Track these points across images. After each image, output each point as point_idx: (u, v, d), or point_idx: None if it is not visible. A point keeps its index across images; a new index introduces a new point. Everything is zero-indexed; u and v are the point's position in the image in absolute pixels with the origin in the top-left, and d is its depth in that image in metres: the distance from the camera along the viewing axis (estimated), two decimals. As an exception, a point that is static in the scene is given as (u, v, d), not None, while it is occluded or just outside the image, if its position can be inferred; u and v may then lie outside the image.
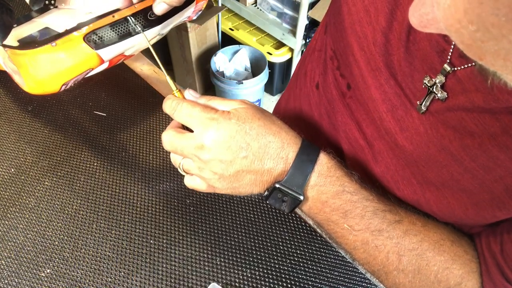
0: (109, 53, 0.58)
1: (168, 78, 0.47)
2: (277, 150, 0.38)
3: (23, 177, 0.69)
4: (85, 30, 0.55)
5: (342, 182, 0.40)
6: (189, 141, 0.39)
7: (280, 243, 0.63)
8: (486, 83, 0.31)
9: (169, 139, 0.40)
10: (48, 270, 0.60)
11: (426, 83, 0.36)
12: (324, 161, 0.40)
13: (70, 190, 0.68)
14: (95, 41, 0.56)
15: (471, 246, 0.42)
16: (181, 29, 1.95)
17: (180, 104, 0.39)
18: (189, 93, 0.42)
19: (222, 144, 0.37)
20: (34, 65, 0.57)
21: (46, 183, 0.69)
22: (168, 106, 0.41)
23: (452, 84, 0.34)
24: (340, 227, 0.41)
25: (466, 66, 0.33)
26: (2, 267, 0.60)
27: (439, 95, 0.35)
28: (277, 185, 0.39)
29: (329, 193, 0.40)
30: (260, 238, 0.64)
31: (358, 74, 0.43)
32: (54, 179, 0.69)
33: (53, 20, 0.87)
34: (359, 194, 0.40)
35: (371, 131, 0.44)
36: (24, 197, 0.67)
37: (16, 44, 0.62)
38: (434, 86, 0.35)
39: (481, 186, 0.35)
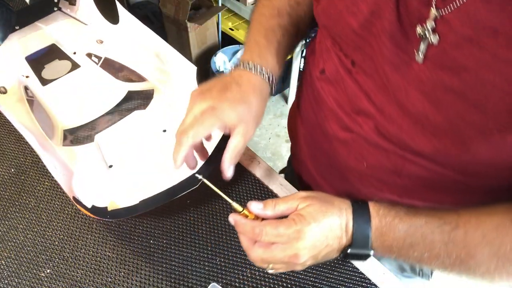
0: None
1: (230, 201, 0.50)
2: (341, 226, 0.46)
3: (23, 177, 0.69)
4: None
5: (397, 223, 0.45)
6: (282, 254, 0.45)
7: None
8: (468, 18, 0.36)
9: (260, 256, 0.47)
10: (48, 270, 0.60)
11: (419, 31, 0.40)
12: (374, 215, 0.46)
13: (70, 190, 0.68)
14: None
15: None
16: (181, 29, 1.96)
17: (265, 230, 0.46)
18: (256, 208, 0.48)
19: (312, 249, 0.45)
20: None
21: (46, 183, 0.69)
22: (250, 231, 0.47)
23: (441, 26, 0.39)
24: (412, 257, 0.46)
25: (450, 7, 0.37)
26: (2, 267, 0.60)
27: (432, 39, 0.40)
28: (349, 251, 0.46)
29: (389, 239, 0.45)
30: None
31: (359, 48, 0.48)
32: (54, 179, 0.69)
33: (60, 35, 0.87)
34: (413, 226, 0.45)
35: (380, 98, 0.49)
36: (24, 197, 0.67)
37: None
38: (427, 32, 0.40)
39: (484, 113, 0.39)
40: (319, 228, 0.45)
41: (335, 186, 0.65)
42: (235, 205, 0.49)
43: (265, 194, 0.68)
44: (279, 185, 0.69)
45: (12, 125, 0.76)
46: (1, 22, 0.84)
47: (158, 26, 2.07)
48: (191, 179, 0.59)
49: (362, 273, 0.60)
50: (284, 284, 0.59)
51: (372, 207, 0.46)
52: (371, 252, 0.46)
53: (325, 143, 0.62)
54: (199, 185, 0.57)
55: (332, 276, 0.60)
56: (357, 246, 0.46)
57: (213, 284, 0.58)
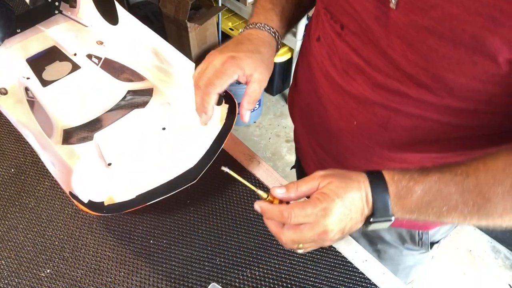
0: None
1: (255, 189, 0.51)
2: (362, 199, 0.47)
3: (23, 177, 0.69)
4: None
5: (412, 185, 0.47)
6: (311, 233, 0.47)
7: (280, 243, 0.63)
8: None
9: (291, 238, 0.48)
10: (48, 270, 0.60)
11: None
12: (390, 182, 0.48)
13: (70, 190, 0.68)
14: None
15: None
16: (181, 29, 1.96)
17: (293, 212, 0.47)
18: (279, 193, 0.49)
19: (339, 223, 0.47)
20: None
21: (46, 183, 0.69)
22: (279, 216, 0.48)
23: None
24: (432, 213, 0.48)
25: None
26: (2, 267, 0.60)
27: None
28: (371, 220, 0.48)
29: (408, 202, 0.47)
30: (260, 238, 0.64)
31: (346, 12, 0.54)
32: (54, 179, 0.69)
33: (61, 37, 0.87)
34: (427, 184, 0.47)
35: (367, 53, 0.54)
36: (24, 197, 0.67)
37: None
38: None
39: (452, 44, 0.43)
40: (343, 203, 0.47)
41: (331, 152, 0.70)
42: (260, 192, 0.50)
43: (265, 194, 0.68)
44: (279, 185, 0.69)
45: (12, 125, 0.76)
46: (1, 22, 0.84)
47: (158, 26, 2.07)
48: (189, 174, 0.59)
49: (362, 273, 0.60)
50: (284, 284, 0.59)
51: (387, 175, 0.48)
52: (392, 218, 0.48)
53: (320, 108, 0.67)
54: (196, 181, 0.58)
55: (332, 276, 0.60)
56: (379, 214, 0.48)
57: (213, 284, 0.58)
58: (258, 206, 0.50)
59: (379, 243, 0.77)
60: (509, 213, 0.46)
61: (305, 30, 0.74)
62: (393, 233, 0.74)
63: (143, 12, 2.10)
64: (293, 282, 0.59)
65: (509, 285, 1.58)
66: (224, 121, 0.64)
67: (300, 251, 0.50)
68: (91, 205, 0.57)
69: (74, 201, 0.58)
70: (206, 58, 0.58)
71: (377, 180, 0.48)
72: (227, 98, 0.67)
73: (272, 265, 0.61)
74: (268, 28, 0.62)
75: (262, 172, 0.71)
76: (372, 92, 0.56)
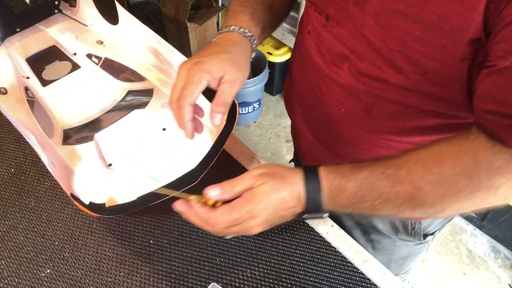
0: None
1: (187, 196, 0.51)
2: (293, 199, 0.50)
3: (23, 177, 0.69)
4: None
5: (344, 183, 0.49)
6: (237, 229, 0.50)
7: (280, 243, 0.63)
8: None
9: (216, 233, 0.51)
10: (48, 270, 0.60)
11: None
12: (324, 182, 0.50)
13: (70, 190, 0.68)
14: None
15: (464, 134, 0.48)
16: (181, 29, 1.96)
17: (218, 222, 0.49)
18: (214, 194, 0.50)
19: (265, 222, 0.50)
20: None
21: (46, 183, 0.69)
22: (204, 224, 0.50)
23: None
24: (366, 207, 0.50)
25: None
26: (2, 267, 0.60)
27: None
28: (304, 216, 0.51)
29: (341, 199, 0.50)
30: (260, 238, 0.64)
31: (329, 3, 0.55)
32: (54, 179, 0.69)
33: (61, 37, 0.87)
34: (359, 179, 0.49)
35: (351, 42, 0.55)
36: (24, 197, 0.67)
37: None
38: None
39: (424, 27, 0.45)
40: (271, 204, 0.49)
41: (323, 141, 0.72)
42: (193, 197, 0.51)
43: (265, 194, 0.68)
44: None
45: (12, 125, 0.76)
46: (1, 22, 0.84)
47: (158, 26, 2.07)
48: (191, 175, 0.59)
49: (362, 273, 0.61)
50: (284, 284, 0.59)
51: (322, 172, 0.50)
52: (326, 214, 0.52)
53: (312, 98, 0.68)
54: (198, 182, 0.58)
55: (332, 276, 0.60)
56: (311, 211, 0.51)
57: (213, 284, 0.58)
58: (179, 207, 0.50)
59: (373, 233, 0.78)
60: (441, 201, 0.48)
61: (299, 26, 0.75)
62: (386, 222, 0.75)
63: (143, 12, 2.10)
64: (293, 282, 0.59)
65: (509, 285, 1.58)
66: (225, 122, 0.64)
67: (228, 237, 0.55)
68: (92, 206, 0.57)
69: (75, 202, 0.58)
70: (177, 71, 0.56)
71: (311, 181, 0.50)
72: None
73: (272, 265, 0.61)
74: (237, 29, 0.60)
75: (262, 172, 0.71)
76: (356, 80, 0.58)
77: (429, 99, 0.54)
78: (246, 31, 0.60)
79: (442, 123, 0.58)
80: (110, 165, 0.66)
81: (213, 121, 0.54)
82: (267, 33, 0.68)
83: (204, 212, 0.50)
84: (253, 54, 0.62)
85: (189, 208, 0.50)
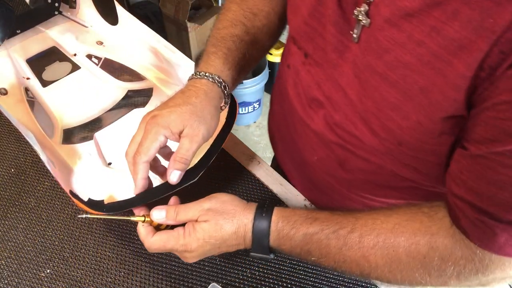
0: None
1: (129, 218, 0.52)
2: (237, 239, 0.50)
3: (23, 177, 0.69)
4: None
5: (293, 234, 0.48)
6: (174, 252, 0.51)
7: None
8: (391, 1, 0.39)
9: (154, 249, 0.50)
10: (48, 270, 0.60)
11: (356, 13, 0.44)
12: (273, 229, 0.49)
13: (70, 190, 0.68)
14: None
15: (431, 210, 0.45)
16: (181, 29, 1.95)
17: (153, 247, 0.50)
18: (157, 218, 0.50)
19: (201, 255, 0.50)
20: None
21: (46, 183, 0.69)
22: (143, 241, 0.51)
23: (373, 10, 0.42)
24: (311, 260, 0.49)
25: None
26: (2, 267, 0.60)
27: (364, 21, 0.43)
28: (250, 253, 0.51)
29: (286, 248, 0.49)
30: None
31: (310, 39, 0.52)
32: (54, 179, 0.69)
33: (61, 38, 0.87)
34: (308, 234, 0.47)
35: (328, 86, 0.53)
36: (24, 197, 0.67)
37: None
38: (360, 15, 0.43)
39: (402, 95, 0.42)
40: (209, 243, 0.49)
41: (300, 179, 0.70)
42: (136, 218, 0.51)
43: (265, 194, 0.68)
44: (279, 185, 0.69)
45: (12, 125, 0.76)
46: (1, 22, 0.84)
47: (158, 26, 2.07)
48: (190, 173, 0.59)
49: (362, 273, 0.60)
50: (284, 284, 0.59)
51: (274, 218, 0.49)
52: (271, 256, 0.51)
53: (288, 135, 0.67)
54: (196, 181, 0.58)
55: (332, 276, 0.60)
56: (256, 251, 0.50)
57: (213, 284, 0.58)
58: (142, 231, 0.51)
59: None
60: (387, 277, 0.46)
61: (281, 54, 0.71)
62: None
63: (143, 12, 2.10)
64: (293, 282, 0.59)
65: (509, 285, 1.58)
66: (224, 120, 0.64)
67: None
68: (91, 203, 0.57)
69: (74, 199, 0.58)
70: (139, 122, 0.53)
71: (260, 225, 0.49)
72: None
73: (272, 265, 0.61)
74: (206, 75, 0.55)
75: (262, 172, 0.71)
76: (330, 130, 0.55)
77: (405, 167, 0.51)
78: (215, 77, 0.55)
79: (420, 189, 0.55)
80: (109, 164, 0.66)
81: (169, 178, 0.51)
82: (249, 68, 0.64)
83: (143, 233, 0.50)
84: (228, 100, 0.59)
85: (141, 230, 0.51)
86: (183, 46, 2.02)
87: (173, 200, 0.53)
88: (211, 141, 0.63)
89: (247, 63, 0.62)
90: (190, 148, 0.50)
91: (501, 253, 0.39)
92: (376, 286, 0.59)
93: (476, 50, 0.34)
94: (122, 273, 0.60)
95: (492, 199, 0.37)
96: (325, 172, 0.62)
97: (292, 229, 0.48)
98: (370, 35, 0.43)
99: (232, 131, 0.65)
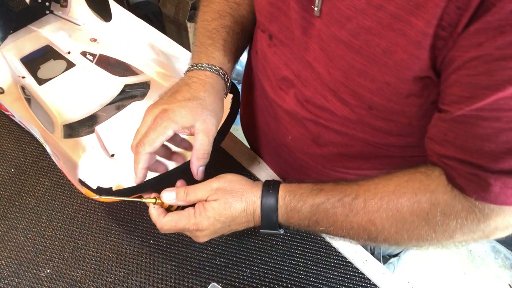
0: None
1: (141, 200, 0.52)
2: (247, 217, 0.50)
3: (23, 177, 0.69)
4: None
5: (300, 206, 0.49)
6: (185, 232, 0.52)
7: (280, 243, 0.63)
8: None
9: (166, 229, 0.51)
10: (48, 270, 0.60)
11: None
12: (281, 203, 0.50)
13: (70, 190, 0.68)
14: None
15: (428, 169, 0.46)
16: (181, 29, 1.95)
17: (165, 227, 0.51)
18: (168, 199, 0.51)
19: (212, 234, 0.51)
20: None
21: (46, 183, 0.69)
22: (155, 222, 0.52)
23: None
24: (320, 230, 0.50)
25: None
26: (2, 267, 0.60)
27: None
28: (260, 230, 0.52)
29: (295, 221, 0.50)
30: (260, 238, 0.64)
31: (275, 19, 0.53)
32: (54, 179, 0.69)
33: (54, 36, 0.88)
34: (315, 205, 0.49)
35: (296, 65, 0.53)
36: (24, 197, 0.67)
37: None
38: None
39: (367, 60, 0.42)
40: (219, 221, 0.50)
41: (274, 166, 0.71)
42: (147, 200, 0.52)
43: (265, 194, 0.68)
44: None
45: (12, 125, 0.76)
46: (1, 22, 0.84)
47: (158, 26, 2.06)
48: (189, 164, 0.59)
49: (362, 273, 0.60)
50: (284, 284, 0.59)
51: (281, 193, 0.50)
52: (281, 231, 0.52)
53: (262, 122, 0.67)
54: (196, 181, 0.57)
55: (332, 276, 0.60)
56: (266, 228, 0.51)
57: (213, 284, 0.58)
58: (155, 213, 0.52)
59: None
60: (394, 238, 0.47)
61: (250, 44, 0.70)
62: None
63: (143, 12, 2.10)
64: (293, 282, 0.59)
65: (509, 285, 1.58)
66: (228, 111, 0.64)
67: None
68: (100, 190, 0.57)
69: (83, 188, 0.58)
70: (144, 113, 0.54)
71: (268, 200, 0.50)
72: (231, 88, 0.66)
73: (272, 265, 0.61)
74: (210, 67, 0.55)
75: (262, 172, 0.71)
76: (302, 107, 0.56)
77: (376, 133, 0.52)
78: (219, 69, 0.56)
79: (391, 157, 0.56)
80: (113, 155, 0.67)
81: (196, 176, 0.52)
82: (239, 58, 0.65)
83: (154, 215, 0.51)
84: (228, 91, 0.59)
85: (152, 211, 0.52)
86: (183, 46, 2.01)
87: (179, 182, 0.54)
88: None
89: (239, 53, 0.64)
90: (209, 143, 0.52)
91: (497, 202, 0.40)
92: (376, 286, 0.59)
93: (433, 7, 0.35)
94: (122, 273, 0.60)
95: (480, 152, 0.38)
96: (300, 151, 0.63)
97: (299, 202, 0.49)
98: (332, 7, 0.44)
99: (232, 131, 0.65)
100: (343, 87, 0.48)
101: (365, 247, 0.71)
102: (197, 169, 0.52)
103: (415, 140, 0.51)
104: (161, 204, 0.52)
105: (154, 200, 0.51)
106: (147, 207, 0.58)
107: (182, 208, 0.52)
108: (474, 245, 1.68)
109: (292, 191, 0.50)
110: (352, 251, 0.63)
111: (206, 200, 0.50)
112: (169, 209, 0.52)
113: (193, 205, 0.51)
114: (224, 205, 0.49)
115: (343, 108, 0.51)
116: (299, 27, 0.50)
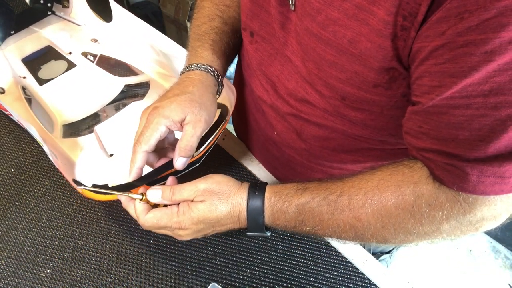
0: None
1: (128, 195, 0.51)
2: (232, 218, 0.50)
3: (23, 177, 0.69)
4: None
5: (286, 207, 0.49)
6: (166, 231, 0.52)
7: (280, 243, 0.63)
8: None
9: (147, 227, 0.51)
10: (48, 270, 0.60)
11: None
12: (267, 205, 0.50)
13: (70, 190, 0.68)
14: None
15: (411, 162, 0.46)
16: (181, 29, 1.95)
17: (146, 224, 0.50)
18: (153, 197, 0.51)
19: (195, 233, 0.51)
20: None
21: (46, 183, 0.69)
22: (136, 218, 0.51)
23: None
24: (307, 231, 0.50)
25: None
26: (2, 267, 0.60)
27: None
28: (247, 233, 0.52)
29: (281, 222, 0.50)
30: (260, 238, 0.64)
31: (256, 16, 0.55)
32: (54, 179, 0.69)
33: (55, 37, 0.88)
34: (300, 204, 0.48)
35: (278, 59, 0.55)
36: (24, 197, 0.67)
37: None
38: None
39: (336, 51, 0.43)
40: (203, 222, 0.49)
41: (265, 160, 0.71)
42: (134, 195, 0.51)
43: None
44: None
45: (12, 125, 0.76)
46: (1, 22, 0.84)
47: (158, 26, 2.07)
48: (191, 162, 0.58)
49: (362, 273, 0.60)
50: (284, 284, 0.59)
51: (266, 195, 0.50)
52: (268, 233, 0.52)
53: (251, 118, 0.68)
54: (194, 171, 0.57)
55: (332, 276, 0.60)
56: (252, 230, 0.51)
57: (213, 284, 0.58)
58: (124, 204, 0.53)
59: None
60: (381, 233, 0.46)
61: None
62: None
63: (143, 12, 2.10)
64: (293, 282, 0.59)
65: (509, 285, 1.58)
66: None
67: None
68: (78, 182, 0.56)
69: (78, 188, 0.57)
70: (140, 115, 0.55)
71: (254, 202, 0.50)
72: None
73: (272, 265, 0.61)
74: (198, 66, 0.57)
75: (261, 172, 0.71)
76: (284, 102, 0.57)
77: (353, 125, 0.52)
78: (208, 67, 0.57)
79: (372, 149, 0.56)
80: (111, 155, 0.67)
81: (175, 165, 0.52)
82: (234, 56, 0.66)
83: (139, 210, 0.51)
84: (221, 88, 0.60)
85: (130, 200, 0.52)
86: (183, 46, 2.02)
87: (170, 180, 0.53)
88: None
89: (232, 51, 0.65)
90: (194, 134, 0.51)
91: (476, 191, 0.39)
92: (376, 286, 0.59)
93: None
94: (122, 273, 0.60)
95: (455, 141, 0.38)
96: (285, 145, 0.63)
97: (285, 203, 0.49)
98: (304, 0, 0.45)
99: (232, 130, 0.65)
100: (317, 79, 0.49)
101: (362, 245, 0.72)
102: (177, 158, 0.51)
103: (391, 132, 0.51)
104: (147, 201, 0.51)
105: (141, 196, 0.51)
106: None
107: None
108: (474, 245, 1.68)
109: (278, 192, 0.50)
110: (352, 251, 0.63)
111: (192, 201, 0.50)
112: (155, 206, 0.52)
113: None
114: (210, 207, 0.49)
115: (320, 100, 0.52)
116: (278, 23, 0.51)
